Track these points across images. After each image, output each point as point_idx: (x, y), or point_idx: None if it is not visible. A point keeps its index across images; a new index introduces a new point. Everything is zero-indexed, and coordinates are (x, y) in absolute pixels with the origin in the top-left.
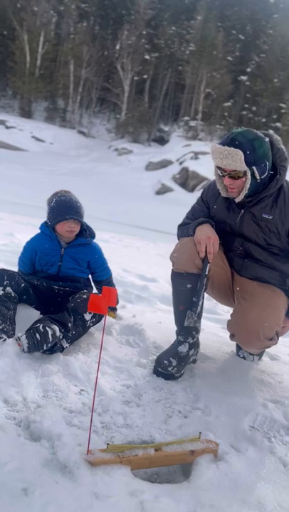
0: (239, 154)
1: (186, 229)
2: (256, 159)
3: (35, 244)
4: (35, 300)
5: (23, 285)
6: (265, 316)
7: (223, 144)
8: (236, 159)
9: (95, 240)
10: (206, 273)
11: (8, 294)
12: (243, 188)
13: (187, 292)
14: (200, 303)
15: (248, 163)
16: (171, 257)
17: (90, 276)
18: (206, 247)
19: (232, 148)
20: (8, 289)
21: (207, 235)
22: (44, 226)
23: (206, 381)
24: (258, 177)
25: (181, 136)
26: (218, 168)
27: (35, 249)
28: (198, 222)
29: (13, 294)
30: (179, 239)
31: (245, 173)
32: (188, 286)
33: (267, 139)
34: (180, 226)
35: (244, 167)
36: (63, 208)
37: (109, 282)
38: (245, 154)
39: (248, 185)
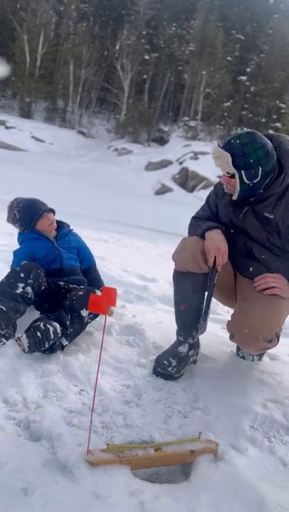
0: (227, 157)
1: (195, 227)
2: (246, 164)
3: (30, 252)
4: (39, 301)
5: (42, 288)
6: (264, 317)
7: (221, 145)
8: (224, 161)
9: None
10: (215, 282)
11: (25, 294)
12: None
13: (189, 292)
14: (209, 311)
15: (237, 166)
16: (173, 257)
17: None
18: (214, 258)
19: (222, 150)
20: (28, 289)
21: (217, 246)
22: (27, 234)
23: (205, 381)
24: (246, 181)
25: (180, 137)
26: None
27: (33, 256)
28: (207, 226)
29: (29, 296)
30: (188, 230)
31: (234, 175)
32: (190, 285)
33: (268, 143)
34: (194, 218)
35: (232, 169)
36: (31, 208)
37: (95, 270)
38: (234, 157)
39: (238, 187)
